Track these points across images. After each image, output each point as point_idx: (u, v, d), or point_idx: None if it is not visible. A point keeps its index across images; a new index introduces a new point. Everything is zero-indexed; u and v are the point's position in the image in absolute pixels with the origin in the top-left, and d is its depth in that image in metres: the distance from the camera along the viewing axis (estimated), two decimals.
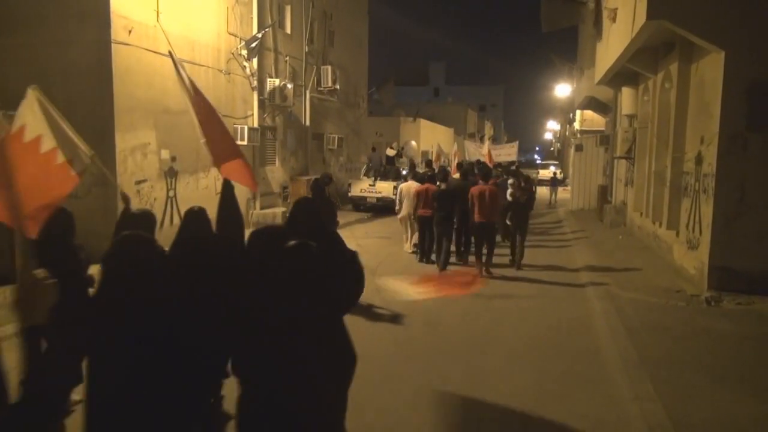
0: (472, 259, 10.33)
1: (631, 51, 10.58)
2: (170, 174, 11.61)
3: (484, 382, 5.38)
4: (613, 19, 11.16)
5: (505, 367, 5.76)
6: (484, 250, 9.85)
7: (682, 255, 9.57)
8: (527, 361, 5.92)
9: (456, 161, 18.47)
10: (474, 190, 9.67)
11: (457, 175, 12.42)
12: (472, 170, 12.18)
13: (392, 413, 4.71)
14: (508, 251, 10.84)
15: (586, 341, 6.55)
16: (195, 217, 4.27)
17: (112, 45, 9.87)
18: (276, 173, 16.46)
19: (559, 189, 24.38)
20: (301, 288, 2.67)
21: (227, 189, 4.59)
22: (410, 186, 11.40)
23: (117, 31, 9.95)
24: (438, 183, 10.71)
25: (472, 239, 10.26)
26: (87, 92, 9.89)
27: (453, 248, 10.52)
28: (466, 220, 10.16)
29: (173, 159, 11.65)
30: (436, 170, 12.79)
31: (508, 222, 10.74)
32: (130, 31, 10.22)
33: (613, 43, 11.80)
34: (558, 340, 6.60)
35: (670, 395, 5.01)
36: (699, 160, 8.89)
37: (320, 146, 19.63)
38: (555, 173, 25.89)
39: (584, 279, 9.61)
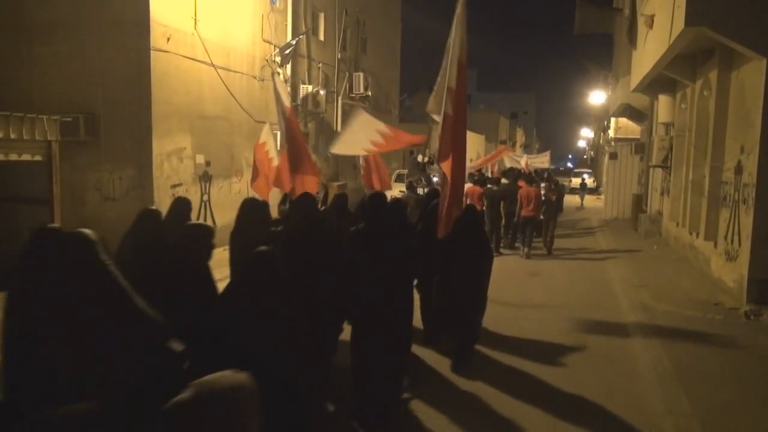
0: (517, 245, 12.75)
1: (669, 58, 10.37)
2: (204, 178, 11.84)
3: (513, 385, 5.32)
4: (650, 26, 10.97)
5: (535, 375, 5.68)
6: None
7: (720, 267, 9.31)
8: (558, 370, 5.84)
9: (494, 168, 18.85)
10: (522, 193, 12.16)
11: (504, 180, 14.18)
12: (519, 176, 14.39)
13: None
14: (541, 243, 12.99)
15: (618, 353, 6.41)
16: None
17: (151, 52, 10.14)
18: None
19: (586, 196, 25.98)
20: None
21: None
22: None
23: (156, 39, 10.22)
24: (489, 185, 13.06)
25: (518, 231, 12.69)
26: (126, 98, 10.16)
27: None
28: (513, 216, 12.41)
29: (207, 164, 11.88)
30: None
31: (541, 216, 12.75)
32: (168, 39, 10.48)
33: (649, 50, 11.60)
34: (590, 350, 6.48)
35: (705, 411, 4.88)
36: (739, 169, 8.66)
37: None
38: (584, 179, 27.66)
39: (617, 289, 9.42)
